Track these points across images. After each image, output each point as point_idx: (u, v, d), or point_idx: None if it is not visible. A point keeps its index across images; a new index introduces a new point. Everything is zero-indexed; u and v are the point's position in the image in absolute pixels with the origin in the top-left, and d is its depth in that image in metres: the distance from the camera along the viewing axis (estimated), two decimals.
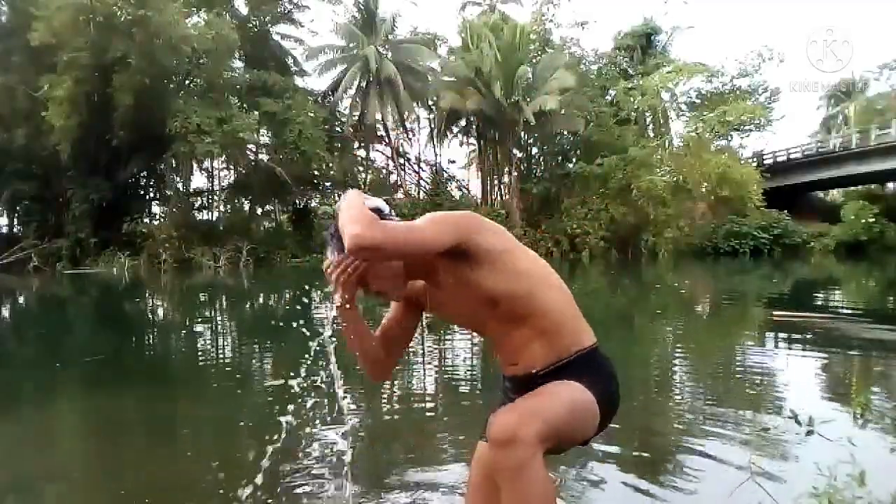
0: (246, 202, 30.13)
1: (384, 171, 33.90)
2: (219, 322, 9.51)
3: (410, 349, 4.61)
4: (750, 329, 7.18)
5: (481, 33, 27.40)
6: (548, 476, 1.21)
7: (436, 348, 5.76)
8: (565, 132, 29.28)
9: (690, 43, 79.14)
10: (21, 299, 14.41)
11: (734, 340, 6.29)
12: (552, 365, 1.36)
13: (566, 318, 1.40)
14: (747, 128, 29.10)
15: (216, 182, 30.57)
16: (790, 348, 5.67)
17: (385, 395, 3.90)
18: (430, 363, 5.10)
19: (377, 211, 1.30)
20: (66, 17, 20.81)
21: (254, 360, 5.71)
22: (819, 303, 10.12)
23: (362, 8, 29.20)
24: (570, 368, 1.35)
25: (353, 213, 1.23)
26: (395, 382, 4.28)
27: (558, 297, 1.41)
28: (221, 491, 2.29)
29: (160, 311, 11.29)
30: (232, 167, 29.41)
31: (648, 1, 54.64)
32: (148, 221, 27.81)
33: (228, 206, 30.37)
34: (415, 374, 4.67)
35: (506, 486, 1.18)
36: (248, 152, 27.88)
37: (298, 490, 2.29)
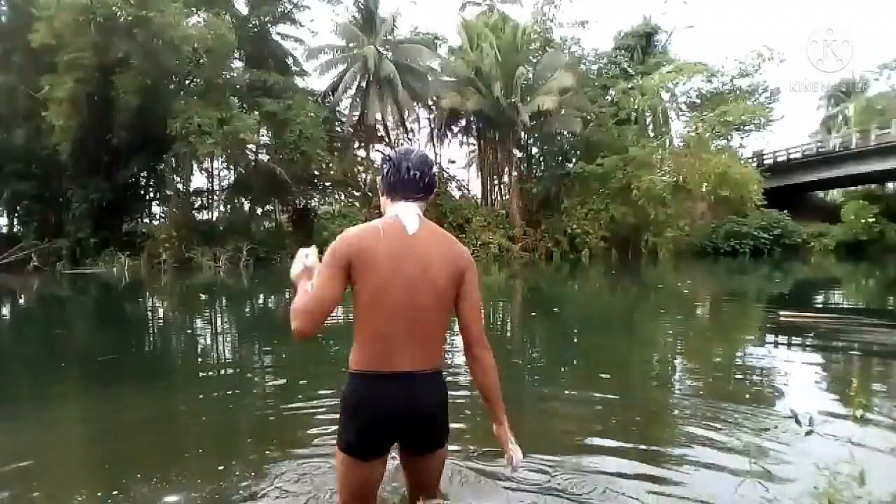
0: (246, 202, 30.08)
1: None
2: (220, 322, 9.52)
3: None
4: (751, 329, 7.19)
5: (481, 33, 27.42)
6: None
7: None
8: (565, 132, 29.29)
9: (690, 43, 79.36)
10: (22, 300, 14.40)
11: (735, 340, 6.29)
12: (437, 369, 1.66)
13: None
14: (747, 128, 29.10)
15: (216, 182, 30.54)
16: (791, 348, 5.67)
17: None
18: None
19: None
20: (67, 18, 20.76)
21: (256, 360, 5.72)
22: (820, 303, 10.12)
23: (362, 8, 29.20)
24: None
25: None
26: None
27: None
28: (225, 488, 2.30)
29: (162, 312, 11.31)
30: (232, 167, 29.40)
31: (648, 1, 54.53)
32: (148, 221, 27.84)
33: (228, 206, 30.32)
34: None
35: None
36: (249, 152, 27.88)
37: (299, 487, 2.30)
